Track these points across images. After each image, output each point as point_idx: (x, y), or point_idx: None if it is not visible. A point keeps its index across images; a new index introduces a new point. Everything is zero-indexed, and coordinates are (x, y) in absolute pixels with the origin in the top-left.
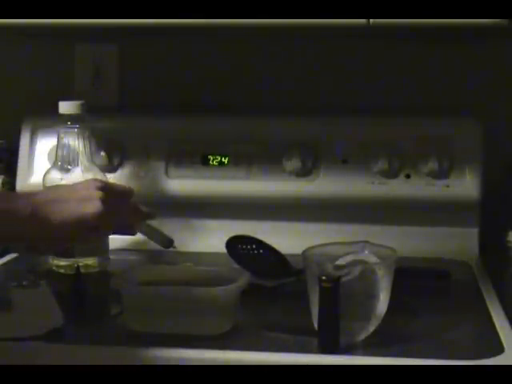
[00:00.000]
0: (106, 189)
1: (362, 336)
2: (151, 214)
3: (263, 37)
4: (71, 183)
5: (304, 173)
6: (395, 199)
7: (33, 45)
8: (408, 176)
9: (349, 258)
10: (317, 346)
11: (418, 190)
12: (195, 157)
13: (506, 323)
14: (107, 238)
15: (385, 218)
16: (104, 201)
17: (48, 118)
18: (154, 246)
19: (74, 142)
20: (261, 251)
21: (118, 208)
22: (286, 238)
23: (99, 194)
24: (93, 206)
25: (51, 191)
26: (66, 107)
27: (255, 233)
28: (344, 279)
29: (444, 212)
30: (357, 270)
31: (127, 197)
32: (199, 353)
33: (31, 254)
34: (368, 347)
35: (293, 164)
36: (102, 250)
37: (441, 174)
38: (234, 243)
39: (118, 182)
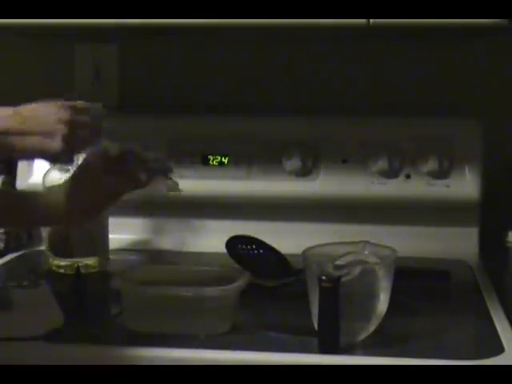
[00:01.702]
0: (70, 116)
1: (362, 336)
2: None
3: (263, 37)
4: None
5: (304, 173)
6: (395, 199)
7: (33, 45)
8: (408, 176)
9: (349, 258)
10: (317, 345)
11: (418, 190)
12: (195, 157)
13: (506, 323)
14: (107, 238)
15: (385, 217)
16: (67, 137)
17: None
18: (154, 246)
19: None
20: (261, 251)
21: (84, 140)
22: (286, 238)
23: (62, 129)
24: (55, 143)
25: (14, 118)
26: None
27: (255, 233)
28: (344, 279)
29: (444, 212)
30: (357, 270)
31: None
32: (199, 353)
33: None
34: (368, 347)
35: (293, 164)
36: (102, 250)
37: (441, 174)
38: (234, 243)
39: None
